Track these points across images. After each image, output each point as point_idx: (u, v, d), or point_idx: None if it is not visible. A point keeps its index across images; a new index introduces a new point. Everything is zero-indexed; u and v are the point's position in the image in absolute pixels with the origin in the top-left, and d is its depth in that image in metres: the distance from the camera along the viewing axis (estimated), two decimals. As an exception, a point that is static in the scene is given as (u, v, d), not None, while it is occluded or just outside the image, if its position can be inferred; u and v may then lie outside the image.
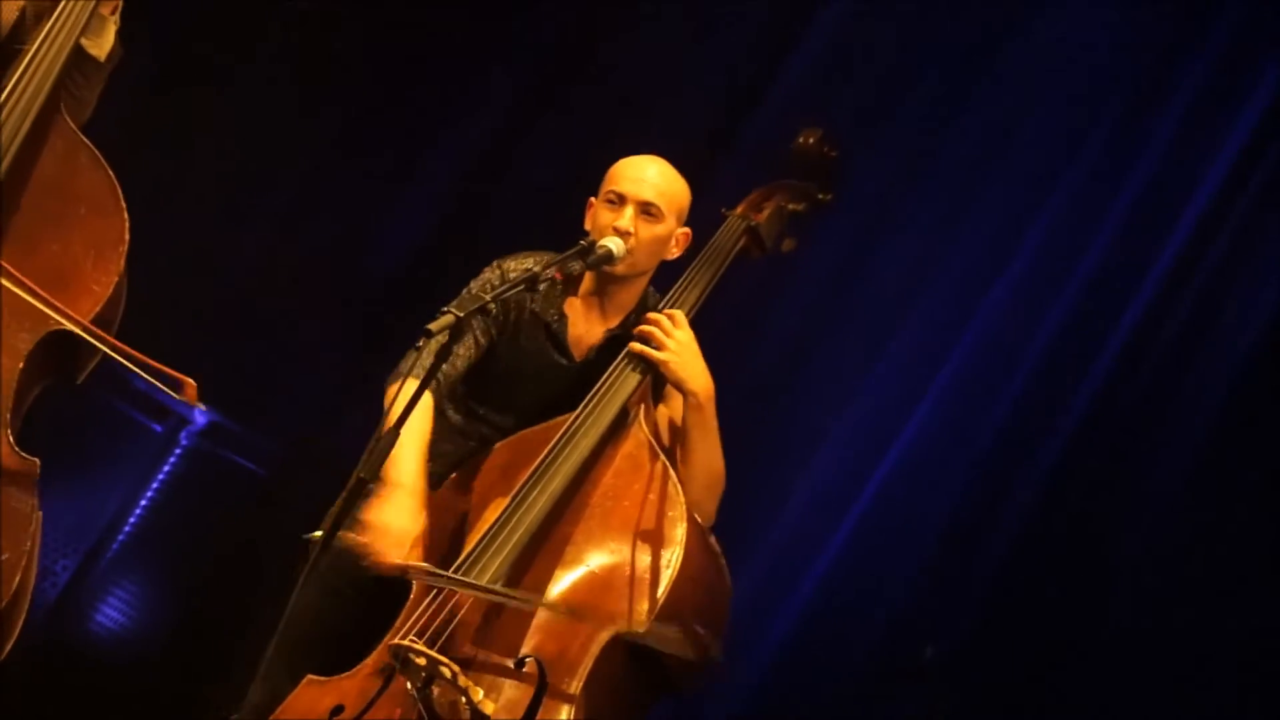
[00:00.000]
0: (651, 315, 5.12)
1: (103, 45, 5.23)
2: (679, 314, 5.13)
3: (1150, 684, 6.63)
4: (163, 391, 5.40)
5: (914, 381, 7.11)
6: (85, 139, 5.16)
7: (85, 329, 4.92)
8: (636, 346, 5.06)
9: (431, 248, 7.47)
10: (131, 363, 4.98)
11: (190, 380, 4.95)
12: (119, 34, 5.32)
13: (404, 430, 4.73)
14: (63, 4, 5.15)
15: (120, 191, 5.13)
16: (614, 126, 6.99)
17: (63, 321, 4.88)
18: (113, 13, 5.26)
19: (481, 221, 7.37)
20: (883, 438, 7.13)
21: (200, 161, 7.11)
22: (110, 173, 5.13)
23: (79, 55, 5.20)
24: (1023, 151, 7.15)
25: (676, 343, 5.07)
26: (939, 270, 7.18)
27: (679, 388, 5.07)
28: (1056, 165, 7.12)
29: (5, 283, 4.86)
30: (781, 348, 7.18)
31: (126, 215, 5.12)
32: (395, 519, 4.88)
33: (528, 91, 7.64)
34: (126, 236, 5.09)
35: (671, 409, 5.16)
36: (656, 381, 5.11)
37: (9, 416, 4.89)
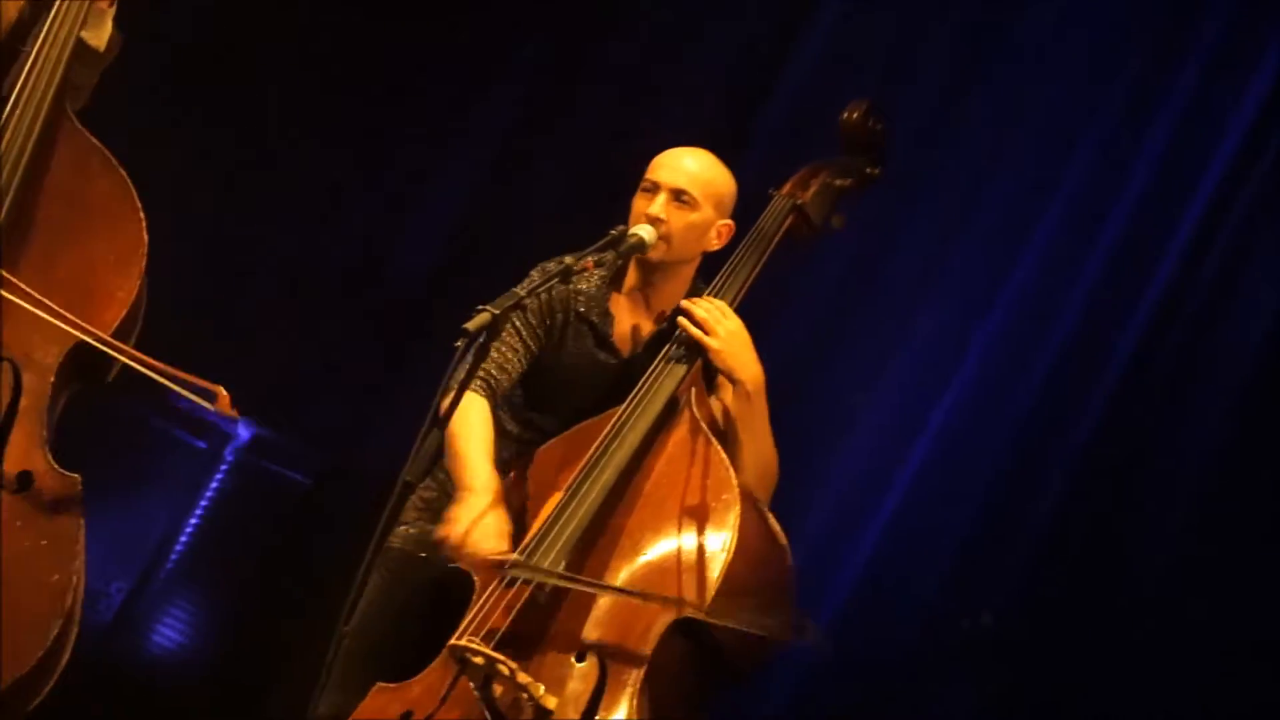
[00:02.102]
0: (701, 300, 5.08)
1: (101, 36, 5.21)
2: (725, 304, 5.10)
3: (1189, 652, 6.59)
4: (205, 409, 5.42)
5: (946, 356, 7.09)
6: (97, 142, 5.13)
7: (108, 343, 4.87)
8: (685, 324, 5.01)
9: (456, 256, 7.47)
10: (160, 374, 4.90)
11: (222, 390, 4.90)
12: (117, 21, 5.28)
13: (469, 435, 4.89)
14: (59, 4, 5.11)
15: (135, 194, 5.10)
16: (628, 127, 7.01)
17: (86, 337, 4.85)
18: (110, 4, 5.25)
19: (506, 225, 7.34)
20: (919, 413, 7.09)
21: (219, 162, 7.08)
22: (124, 175, 5.10)
23: (79, 47, 5.17)
24: (1040, 118, 7.11)
25: (726, 331, 5.03)
26: (966, 242, 7.12)
27: (729, 377, 5.03)
28: (1075, 129, 7.05)
29: (25, 303, 4.82)
30: (814, 322, 7.17)
31: (143, 218, 5.08)
32: (476, 512, 4.87)
33: (538, 96, 7.64)
34: (145, 239, 5.06)
35: (724, 399, 5.08)
36: (708, 371, 5.05)
37: (46, 434, 4.88)
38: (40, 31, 5.12)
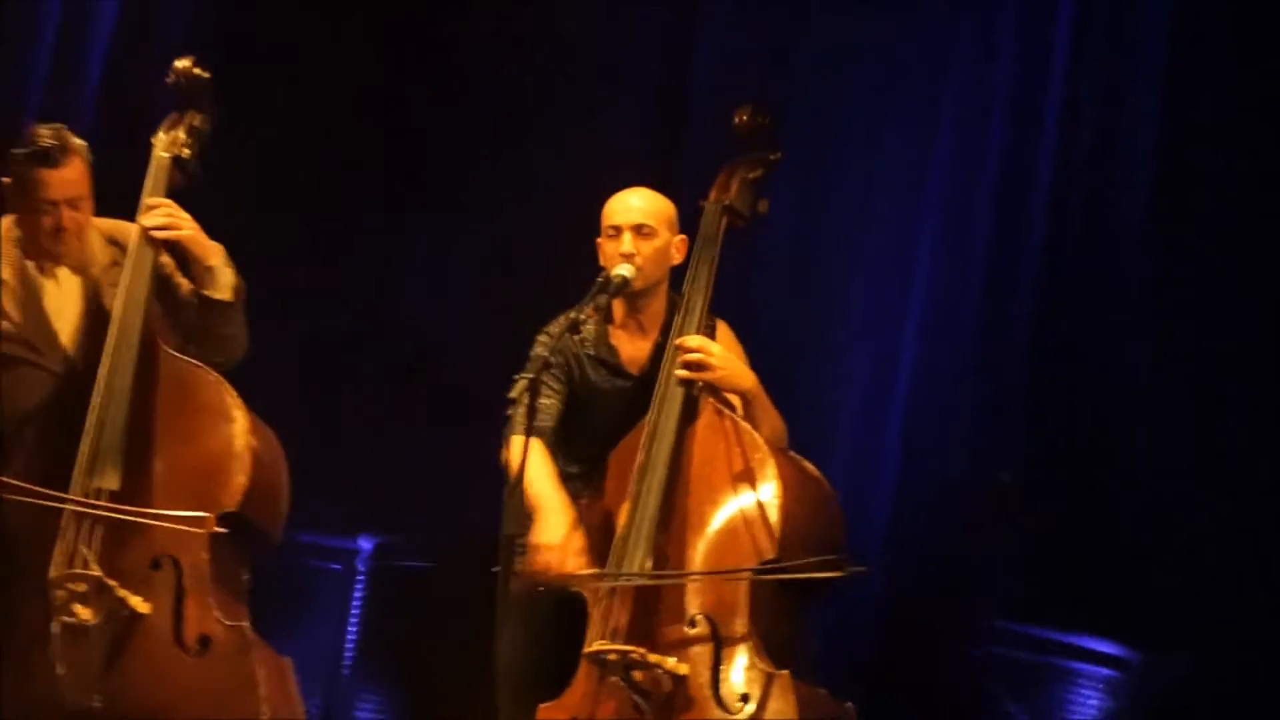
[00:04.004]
0: (684, 343, 5.45)
1: (223, 288, 5.57)
2: (703, 339, 5.47)
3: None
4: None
5: (903, 261, 7.44)
6: (187, 359, 5.49)
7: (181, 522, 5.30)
8: (685, 374, 5.42)
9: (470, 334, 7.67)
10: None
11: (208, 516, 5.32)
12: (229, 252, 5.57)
13: (535, 473, 5.28)
14: (128, 262, 5.52)
15: (229, 387, 5.48)
16: (571, 162, 7.34)
17: (202, 527, 5.31)
18: (224, 262, 5.59)
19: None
20: (900, 311, 7.42)
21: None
22: (217, 376, 5.49)
23: (208, 303, 5.56)
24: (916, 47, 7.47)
25: (717, 359, 5.44)
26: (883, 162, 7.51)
27: (735, 392, 5.46)
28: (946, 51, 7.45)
29: (153, 521, 5.32)
30: (787, 274, 7.46)
31: (241, 405, 5.47)
32: (554, 535, 5.30)
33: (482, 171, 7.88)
34: (247, 424, 5.45)
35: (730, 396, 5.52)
36: None
37: (213, 600, 5.34)
38: (120, 290, 5.50)
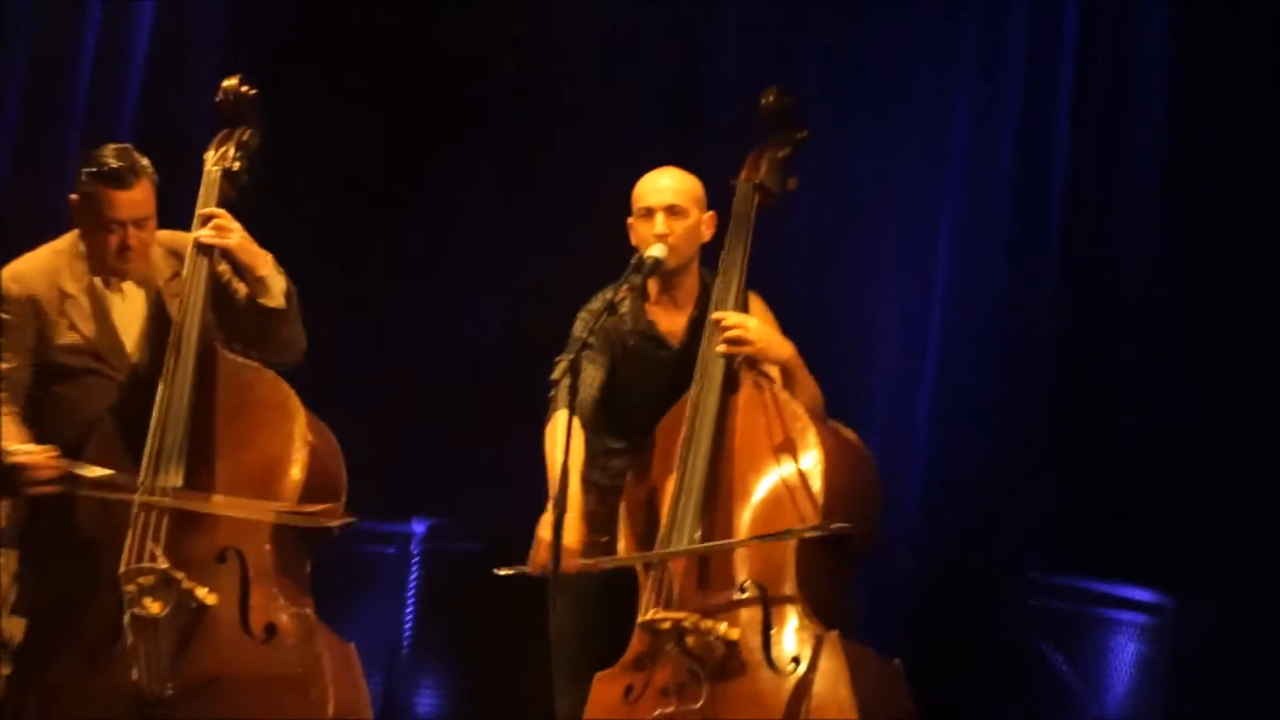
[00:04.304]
0: (723, 319, 5.54)
1: (275, 295, 5.70)
2: (739, 314, 5.57)
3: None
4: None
5: (927, 228, 7.52)
6: (244, 360, 5.65)
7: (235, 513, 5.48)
8: (725, 350, 5.52)
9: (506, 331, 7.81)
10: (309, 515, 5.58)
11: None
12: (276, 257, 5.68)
13: (550, 453, 5.43)
14: (186, 273, 5.65)
15: (285, 384, 5.63)
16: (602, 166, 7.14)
17: (263, 517, 5.51)
18: (274, 270, 5.71)
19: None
20: (929, 275, 7.51)
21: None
22: (273, 374, 5.65)
23: (263, 310, 5.70)
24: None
25: (754, 334, 5.54)
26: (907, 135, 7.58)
27: (774, 363, 5.56)
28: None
29: (217, 510, 5.50)
30: (820, 240, 7.54)
31: (297, 402, 5.62)
32: (546, 530, 5.35)
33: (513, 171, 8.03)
34: (303, 420, 5.61)
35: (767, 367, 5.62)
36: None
37: (277, 590, 5.48)
38: (182, 300, 5.64)
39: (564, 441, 5.28)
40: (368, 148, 7.97)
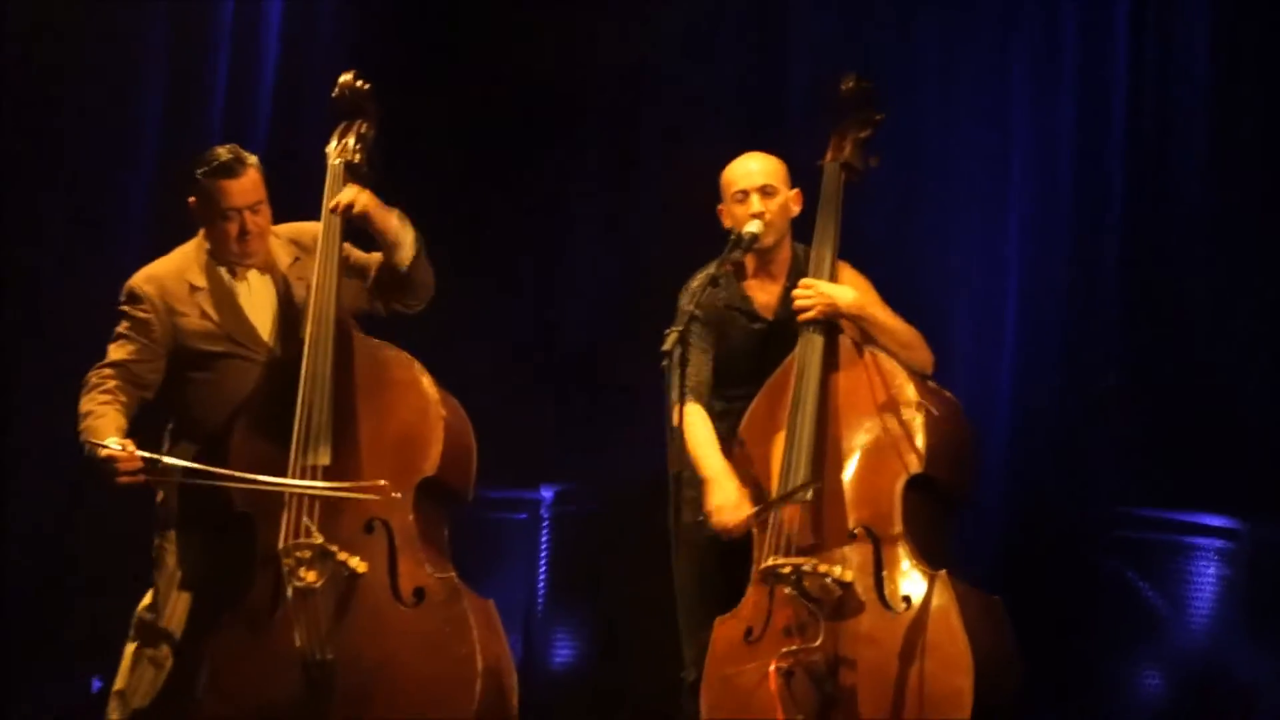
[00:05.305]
0: (795, 293, 5.81)
1: (408, 245, 5.95)
2: (809, 280, 5.82)
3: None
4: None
5: (997, 186, 7.70)
6: (372, 339, 5.87)
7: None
8: (803, 316, 5.78)
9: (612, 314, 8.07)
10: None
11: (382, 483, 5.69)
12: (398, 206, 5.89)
13: (697, 439, 5.71)
14: (317, 260, 5.86)
15: (416, 361, 5.84)
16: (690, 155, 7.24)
17: (383, 494, 5.67)
18: (404, 222, 5.93)
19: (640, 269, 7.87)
20: (1002, 227, 7.70)
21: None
22: (404, 352, 5.86)
23: (399, 264, 5.93)
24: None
25: (815, 292, 5.78)
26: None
27: (849, 312, 5.79)
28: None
29: (356, 494, 5.67)
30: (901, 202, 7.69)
31: (427, 375, 5.84)
32: (725, 499, 5.71)
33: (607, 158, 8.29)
34: (435, 393, 5.82)
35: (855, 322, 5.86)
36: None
37: (423, 555, 5.69)
38: (313, 282, 5.85)
39: (698, 430, 5.71)
40: (488, 135, 8.19)
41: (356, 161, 6.02)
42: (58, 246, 7.60)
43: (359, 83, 6.09)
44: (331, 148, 6.06)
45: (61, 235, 7.62)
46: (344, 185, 5.97)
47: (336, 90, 6.10)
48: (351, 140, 6.04)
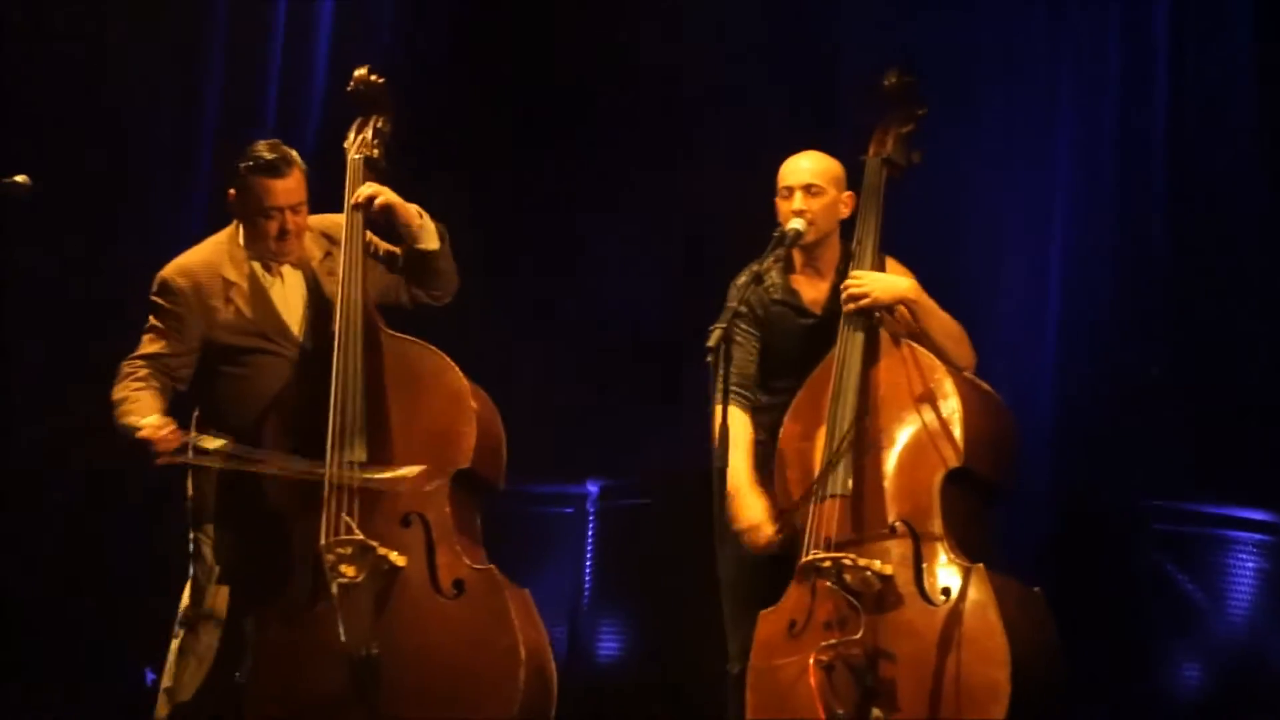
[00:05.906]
0: (844, 285, 5.82)
1: (431, 236, 5.98)
2: (856, 271, 5.84)
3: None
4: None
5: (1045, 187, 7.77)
6: (400, 335, 5.85)
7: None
8: (850, 307, 5.81)
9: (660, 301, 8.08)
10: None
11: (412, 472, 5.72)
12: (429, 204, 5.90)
13: (730, 445, 5.55)
14: (343, 262, 5.86)
15: (445, 355, 5.82)
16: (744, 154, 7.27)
17: (425, 482, 5.71)
18: (421, 216, 5.95)
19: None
20: (1045, 234, 7.78)
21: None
22: (433, 348, 5.83)
23: (423, 254, 5.96)
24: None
25: (866, 283, 5.82)
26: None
27: (897, 304, 5.82)
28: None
29: (391, 488, 5.70)
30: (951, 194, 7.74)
31: (458, 370, 5.82)
32: (750, 518, 5.81)
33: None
34: (466, 385, 5.82)
35: (901, 313, 5.88)
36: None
37: (460, 548, 5.71)
38: (341, 279, 5.84)
39: (734, 435, 5.62)
40: (540, 127, 8.26)
41: (375, 156, 6.03)
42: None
43: (373, 76, 6.09)
44: (349, 142, 6.07)
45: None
46: (363, 179, 5.97)
47: (351, 84, 6.12)
48: (369, 134, 6.05)
